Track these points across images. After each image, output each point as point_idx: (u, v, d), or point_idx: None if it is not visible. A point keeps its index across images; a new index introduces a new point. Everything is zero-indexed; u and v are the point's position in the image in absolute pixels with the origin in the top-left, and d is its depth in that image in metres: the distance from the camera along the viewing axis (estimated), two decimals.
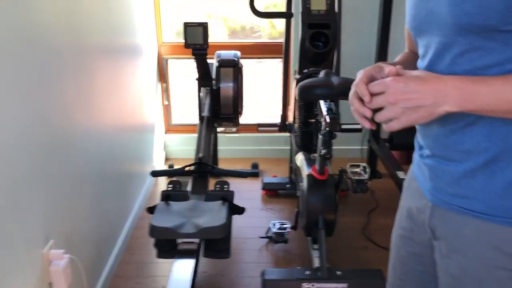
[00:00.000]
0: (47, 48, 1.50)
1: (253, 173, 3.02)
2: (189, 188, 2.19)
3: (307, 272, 2.00)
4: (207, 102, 2.57)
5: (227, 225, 1.85)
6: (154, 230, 1.80)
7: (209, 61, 2.55)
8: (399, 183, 2.42)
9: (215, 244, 2.02)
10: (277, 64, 3.32)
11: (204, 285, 2.08)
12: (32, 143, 1.38)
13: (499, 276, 0.85)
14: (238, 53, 2.68)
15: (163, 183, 2.93)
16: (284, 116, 2.64)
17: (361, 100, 0.84)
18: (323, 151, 1.93)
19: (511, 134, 0.80)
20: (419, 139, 0.98)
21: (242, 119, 2.83)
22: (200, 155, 2.31)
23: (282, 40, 2.69)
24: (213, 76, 2.58)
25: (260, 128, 2.68)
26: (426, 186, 0.95)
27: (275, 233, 2.30)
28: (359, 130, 2.55)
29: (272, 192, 2.86)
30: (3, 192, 1.22)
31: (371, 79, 0.85)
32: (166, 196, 2.06)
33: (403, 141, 2.92)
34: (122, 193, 2.38)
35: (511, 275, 0.84)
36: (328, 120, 1.75)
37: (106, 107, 2.12)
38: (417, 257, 1.04)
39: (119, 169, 2.32)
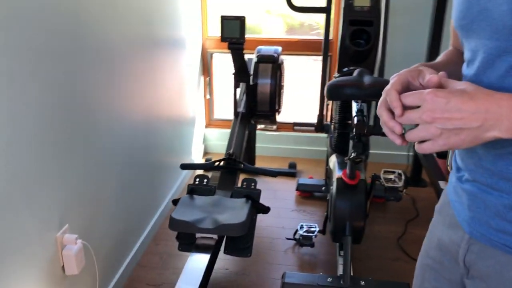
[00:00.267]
0: (95, 38, 1.53)
1: (284, 173, 2.97)
2: (216, 183, 2.17)
3: (329, 279, 1.92)
4: (243, 98, 2.53)
5: (247, 224, 1.80)
6: (173, 223, 1.80)
7: (250, 56, 2.51)
8: (439, 193, 2.27)
9: (237, 242, 1.98)
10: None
11: (224, 282, 2.05)
12: (53, 127, 1.40)
13: None
14: (279, 49, 2.63)
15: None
16: (321, 116, 2.55)
17: (391, 111, 0.71)
18: (353, 154, 1.84)
19: None
20: (457, 159, 0.84)
21: (281, 117, 2.78)
22: (231, 151, 2.28)
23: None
24: (252, 71, 2.54)
25: (296, 127, 2.61)
26: (464, 215, 0.81)
27: (302, 235, 2.23)
28: None
29: (306, 193, 2.78)
30: (19, 173, 1.24)
31: (406, 86, 0.73)
32: (191, 190, 2.05)
33: None
34: (154, 184, 2.40)
35: None
36: (355, 122, 1.65)
37: (143, 97, 2.14)
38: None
39: (152, 160, 2.34)
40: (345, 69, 2.29)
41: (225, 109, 3.58)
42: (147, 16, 2.14)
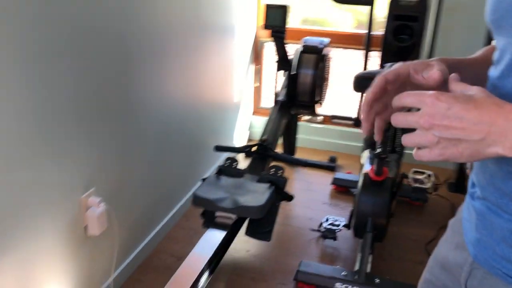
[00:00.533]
0: (146, 20, 1.65)
1: (318, 165, 2.96)
2: (245, 167, 2.23)
3: (344, 273, 1.92)
4: (283, 86, 2.56)
5: (265, 208, 1.84)
6: (195, 199, 1.88)
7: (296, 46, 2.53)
8: None
9: (257, 225, 2.04)
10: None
11: (242, 263, 2.11)
12: (93, 94, 1.52)
13: None
14: (326, 40, 2.62)
15: (241, 159, 3.00)
16: (360, 111, 2.52)
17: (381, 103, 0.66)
18: (378, 150, 1.82)
19: None
20: (473, 172, 0.76)
21: (326, 110, 2.76)
22: (264, 137, 2.33)
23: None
24: (295, 61, 2.55)
25: (334, 120, 2.59)
26: (471, 236, 0.74)
27: (326, 228, 2.23)
28: None
29: (341, 188, 2.76)
30: (51, 133, 1.37)
31: (404, 77, 0.69)
32: (219, 171, 2.12)
33: None
34: (192, 163, 2.50)
35: None
36: None
37: (187, 78, 2.24)
38: None
39: (191, 140, 2.44)
40: (388, 64, 2.25)
41: (272, 98, 3.61)
42: (196, 2, 2.22)
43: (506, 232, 0.66)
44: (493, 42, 0.73)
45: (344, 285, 1.88)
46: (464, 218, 0.78)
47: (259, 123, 3.40)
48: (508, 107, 0.55)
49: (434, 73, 0.66)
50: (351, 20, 4.46)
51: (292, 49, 2.59)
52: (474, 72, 0.75)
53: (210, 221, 1.97)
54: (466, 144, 0.56)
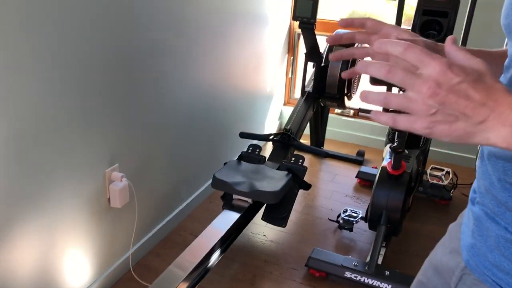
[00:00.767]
0: (179, 9, 1.74)
1: (336, 156, 2.97)
2: (267, 154, 2.29)
3: (355, 263, 1.96)
4: (312, 77, 2.59)
5: (279, 194, 1.90)
6: (214, 181, 1.96)
7: None
8: None
9: (274, 211, 2.10)
10: None
11: (258, 246, 2.18)
12: (123, 75, 1.63)
13: None
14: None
15: (268, 148, 3.06)
16: None
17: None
18: (395, 144, 1.83)
19: None
20: (475, 180, 0.75)
21: (358, 104, 2.76)
22: (288, 126, 2.37)
23: None
24: (326, 53, 2.57)
25: (360, 113, 2.60)
26: (466, 241, 0.74)
27: (343, 219, 2.26)
28: None
29: (366, 182, 2.77)
30: (76, 112, 1.49)
31: (383, 35, 0.70)
32: (240, 156, 2.19)
33: None
34: (218, 148, 2.58)
35: None
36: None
37: (218, 64, 2.32)
38: None
39: (218, 125, 2.52)
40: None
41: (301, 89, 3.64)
42: None
43: (500, 239, 0.65)
44: None
45: (354, 275, 1.92)
46: (464, 223, 0.77)
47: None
48: None
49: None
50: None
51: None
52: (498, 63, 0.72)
53: (228, 203, 2.04)
54: (462, 124, 0.51)
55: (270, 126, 3.29)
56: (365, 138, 3.25)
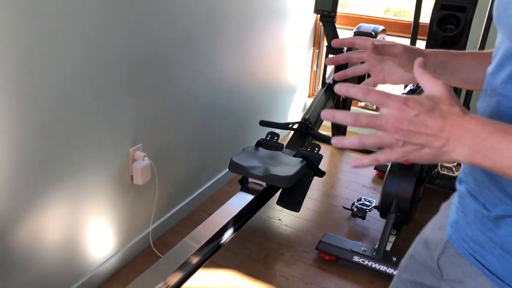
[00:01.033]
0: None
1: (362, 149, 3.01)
2: (285, 142, 2.38)
3: (363, 248, 2.03)
4: (333, 70, 2.65)
5: (292, 179, 1.99)
6: (231, 164, 2.07)
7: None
8: None
9: (289, 196, 2.19)
10: None
11: (272, 229, 2.27)
12: (150, 61, 1.76)
13: None
14: (380, 27, 2.66)
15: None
16: None
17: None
18: None
19: None
20: None
21: None
22: (307, 116, 2.45)
23: None
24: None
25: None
26: (451, 217, 0.80)
27: (356, 207, 2.33)
28: None
29: (384, 174, 2.81)
30: (104, 93, 1.62)
31: (371, 50, 0.82)
32: (258, 143, 2.29)
33: None
34: (240, 135, 2.69)
35: None
36: None
37: (241, 54, 2.42)
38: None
39: (240, 114, 2.63)
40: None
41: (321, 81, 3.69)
42: None
43: (478, 215, 0.71)
44: None
45: (361, 259, 1.99)
46: (453, 202, 0.83)
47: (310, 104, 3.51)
48: (467, 118, 0.58)
49: (370, 43, 0.77)
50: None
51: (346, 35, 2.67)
52: (476, 66, 0.81)
53: (244, 187, 2.15)
54: (428, 150, 0.58)
55: (294, 117, 3.37)
56: None
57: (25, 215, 1.46)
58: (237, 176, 2.68)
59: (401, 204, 2.03)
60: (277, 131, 2.44)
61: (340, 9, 3.28)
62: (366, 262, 1.98)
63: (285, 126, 2.47)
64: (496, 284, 0.69)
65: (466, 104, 2.43)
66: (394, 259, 1.96)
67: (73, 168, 1.59)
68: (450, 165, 2.06)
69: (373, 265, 1.97)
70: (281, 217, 2.38)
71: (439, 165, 2.09)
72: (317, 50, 3.41)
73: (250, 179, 2.10)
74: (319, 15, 2.47)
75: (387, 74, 0.90)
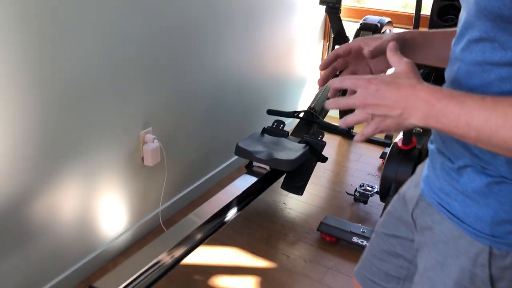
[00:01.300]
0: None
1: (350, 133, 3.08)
2: (291, 130, 2.47)
3: (362, 230, 2.11)
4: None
5: (295, 163, 2.08)
6: (237, 149, 2.18)
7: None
8: None
9: (292, 180, 2.29)
10: None
11: (277, 213, 2.37)
12: (161, 48, 1.88)
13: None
14: (386, 19, 2.73)
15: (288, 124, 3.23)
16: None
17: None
18: None
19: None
20: None
21: None
22: (312, 105, 2.54)
23: None
24: (353, 37, 2.71)
25: None
26: (424, 174, 0.89)
27: (359, 192, 2.41)
28: None
29: None
30: (116, 77, 1.75)
31: (356, 52, 0.89)
32: (264, 130, 2.39)
33: None
34: (247, 124, 2.79)
35: None
36: None
37: (251, 47, 2.53)
38: (400, 240, 0.99)
39: (248, 103, 2.73)
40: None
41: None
42: None
43: (444, 167, 0.81)
44: None
45: (360, 240, 2.08)
46: (426, 161, 0.92)
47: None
48: (419, 86, 0.67)
49: (367, 51, 0.83)
50: None
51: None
52: (446, 43, 0.87)
53: (250, 171, 2.26)
54: (390, 119, 0.68)
55: (303, 109, 3.45)
56: None
57: (43, 189, 1.60)
58: (246, 163, 2.79)
59: (399, 188, 2.10)
60: (284, 120, 2.54)
61: (355, 3, 3.36)
62: (365, 242, 2.06)
63: (291, 114, 2.56)
64: (458, 225, 0.78)
65: None
66: None
67: (87, 148, 1.72)
68: None
69: None
70: (286, 202, 2.47)
71: None
72: (327, 43, 3.48)
73: (255, 163, 2.20)
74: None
75: (373, 66, 0.98)
